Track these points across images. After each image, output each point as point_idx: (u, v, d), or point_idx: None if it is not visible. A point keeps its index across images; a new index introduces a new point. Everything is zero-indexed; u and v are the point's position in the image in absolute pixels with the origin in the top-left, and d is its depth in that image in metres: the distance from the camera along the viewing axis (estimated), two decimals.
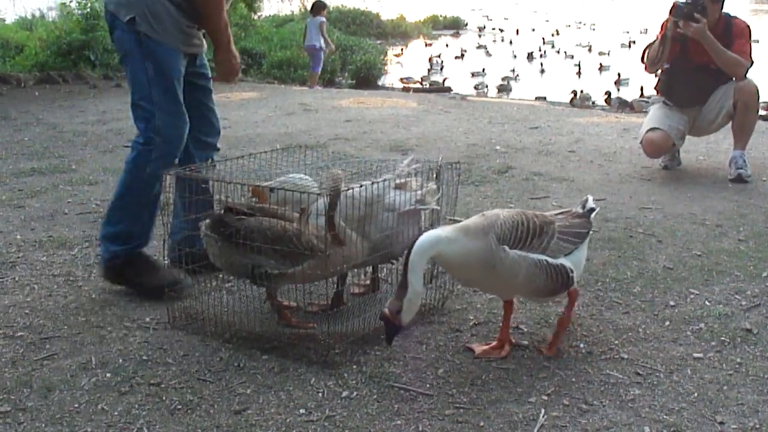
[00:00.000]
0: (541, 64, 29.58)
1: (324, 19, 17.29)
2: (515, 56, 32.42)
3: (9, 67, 19.57)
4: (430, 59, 30.75)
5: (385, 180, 3.57)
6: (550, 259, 3.19)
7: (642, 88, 18.51)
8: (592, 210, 3.46)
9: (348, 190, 3.31)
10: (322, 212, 3.37)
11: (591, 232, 3.43)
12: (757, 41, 46.65)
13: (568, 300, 3.43)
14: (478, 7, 62.20)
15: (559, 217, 3.37)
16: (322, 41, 17.11)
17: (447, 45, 37.56)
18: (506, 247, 3.11)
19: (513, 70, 26.63)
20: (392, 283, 4.10)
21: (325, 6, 17.89)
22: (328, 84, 20.27)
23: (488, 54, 33.50)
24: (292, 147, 4.54)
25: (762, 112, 15.44)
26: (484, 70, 26.53)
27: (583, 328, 3.63)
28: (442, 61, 29.82)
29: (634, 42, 35.36)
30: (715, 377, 3.18)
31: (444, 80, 24.52)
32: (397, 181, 3.64)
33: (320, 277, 3.44)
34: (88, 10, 19.04)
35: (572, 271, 3.24)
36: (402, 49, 35.32)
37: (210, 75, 4.30)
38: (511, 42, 38.87)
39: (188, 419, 2.84)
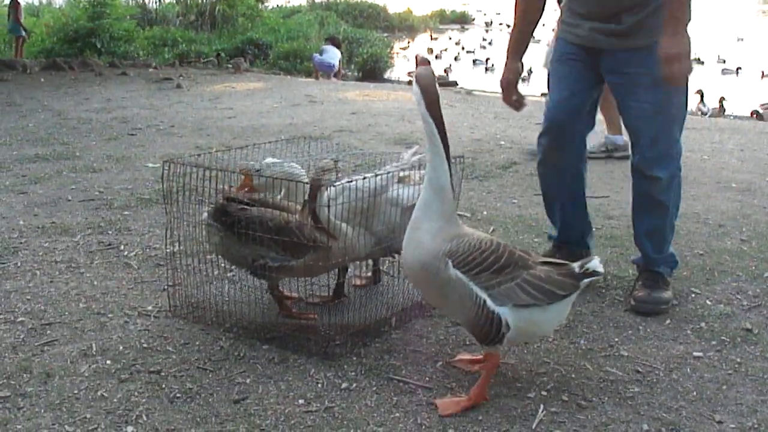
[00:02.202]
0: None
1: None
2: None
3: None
4: (436, 55, 30.72)
5: (388, 172, 3.56)
6: (488, 301, 2.78)
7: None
8: (592, 275, 2.88)
9: (349, 182, 3.30)
10: (324, 204, 3.37)
11: (571, 297, 2.88)
12: (742, 39, 45.47)
13: (483, 367, 3.01)
14: (467, 1, 61.95)
15: (544, 267, 2.87)
16: (337, 64, 18.50)
17: (450, 38, 37.57)
18: (450, 261, 2.78)
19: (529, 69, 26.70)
20: (394, 276, 4.11)
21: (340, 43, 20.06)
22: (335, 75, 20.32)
23: (483, 47, 33.20)
24: (297, 138, 4.55)
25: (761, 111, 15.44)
26: (488, 60, 26.53)
27: (584, 324, 3.62)
28: (487, 59, 29.25)
29: None
30: (714, 376, 3.17)
31: (446, 72, 24.50)
32: (400, 174, 3.63)
33: (321, 270, 3.44)
34: None
35: (507, 328, 2.79)
36: (409, 42, 35.30)
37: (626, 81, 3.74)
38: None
39: (187, 407, 2.84)
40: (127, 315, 3.62)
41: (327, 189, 3.35)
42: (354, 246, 3.38)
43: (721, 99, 16.63)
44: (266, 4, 29.79)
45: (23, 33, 19.30)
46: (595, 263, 2.88)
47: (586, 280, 2.86)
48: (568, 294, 2.84)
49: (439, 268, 2.78)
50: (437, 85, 2.77)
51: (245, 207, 3.37)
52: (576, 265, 2.88)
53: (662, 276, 3.86)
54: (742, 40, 41.92)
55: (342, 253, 3.36)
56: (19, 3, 19.66)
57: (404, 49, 32.56)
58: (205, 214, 3.46)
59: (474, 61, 28.12)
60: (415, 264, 2.85)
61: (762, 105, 17.21)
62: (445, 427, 2.74)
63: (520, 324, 2.81)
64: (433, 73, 2.80)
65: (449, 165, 2.80)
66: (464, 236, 2.84)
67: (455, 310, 2.93)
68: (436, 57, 30.77)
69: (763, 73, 27.28)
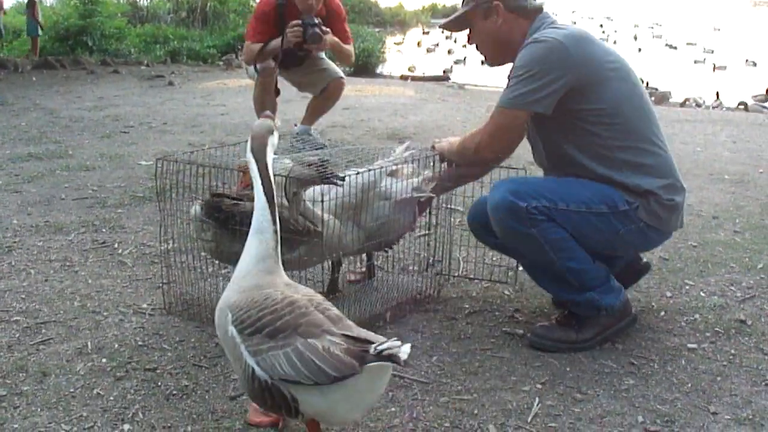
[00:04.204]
0: None
1: None
2: None
3: (6, 51, 19.53)
4: (428, 49, 30.70)
5: (381, 168, 3.56)
6: (257, 369, 2.34)
7: None
8: (388, 359, 2.19)
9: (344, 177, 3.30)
10: (317, 198, 3.37)
11: (356, 382, 2.23)
12: (719, 29, 45.85)
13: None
14: None
15: (333, 339, 2.28)
16: None
17: (443, 32, 37.54)
18: (230, 315, 2.44)
19: None
20: (389, 271, 4.11)
21: None
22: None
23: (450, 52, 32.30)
24: (289, 134, 4.54)
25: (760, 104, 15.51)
26: (465, 59, 26.55)
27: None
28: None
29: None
30: (708, 368, 3.19)
31: (446, 72, 24.47)
32: (391, 168, 3.63)
33: (314, 262, 3.44)
34: None
35: (295, 401, 2.32)
36: (403, 39, 35.29)
37: None
38: None
39: (183, 404, 2.84)
40: (122, 313, 3.62)
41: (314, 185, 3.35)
42: (340, 235, 3.36)
43: (717, 93, 16.72)
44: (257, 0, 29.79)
45: (39, 32, 19.19)
46: (397, 348, 2.20)
47: (373, 364, 2.22)
48: (341, 377, 2.21)
49: (221, 319, 2.50)
50: (269, 135, 2.70)
51: (238, 202, 3.36)
52: (374, 346, 2.24)
53: (578, 316, 3.40)
54: (718, 30, 42.31)
55: (331, 243, 3.34)
56: (35, 2, 19.52)
57: (398, 44, 32.51)
58: (198, 209, 3.44)
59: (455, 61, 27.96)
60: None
61: (754, 96, 17.25)
62: (441, 421, 2.75)
63: (306, 399, 2.32)
64: (269, 126, 2.74)
65: (272, 208, 2.61)
66: (260, 288, 2.48)
67: (236, 371, 2.56)
68: (428, 51, 30.74)
69: (714, 65, 27.38)
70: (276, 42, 6.45)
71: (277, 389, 2.32)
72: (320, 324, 2.34)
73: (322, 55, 7.07)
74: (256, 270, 2.56)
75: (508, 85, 3.31)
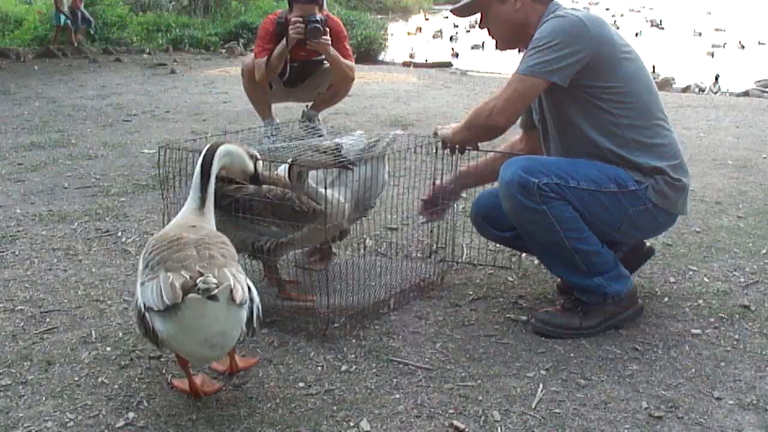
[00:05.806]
0: None
1: None
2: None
3: (8, 41, 19.54)
4: (434, 35, 30.54)
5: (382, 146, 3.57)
6: (138, 292, 2.60)
7: None
8: (205, 292, 2.34)
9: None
10: (320, 180, 3.37)
11: (178, 309, 2.39)
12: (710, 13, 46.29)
13: None
14: None
15: (183, 272, 2.47)
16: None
17: (447, 17, 37.47)
18: (143, 253, 2.73)
19: None
20: (392, 258, 4.11)
21: None
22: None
23: (472, 26, 32.42)
24: (291, 122, 4.53)
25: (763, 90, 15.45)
26: (483, 43, 26.45)
27: None
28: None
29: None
30: (712, 353, 3.19)
31: (453, 56, 24.39)
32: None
33: (318, 241, 3.46)
34: None
35: (141, 308, 2.54)
36: (407, 25, 35.21)
37: None
38: None
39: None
40: (126, 301, 3.62)
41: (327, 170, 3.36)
42: (342, 210, 3.37)
43: (717, 76, 16.64)
44: None
45: (62, 22, 19.10)
46: (208, 281, 2.35)
47: (191, 296, 2.36)
48: (170, 304, 2.38)
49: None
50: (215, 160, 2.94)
51: (241, 186, 3.35)
52: (199, 280, 2.37)
53: (583, 303, 3.38)
54: (710, 13, 42.52)
55: (335, 219, 3.34)
56: None
57: (411, 34, 32.33)
58: None
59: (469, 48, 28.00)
60: None
61: (757, 82, 17.18)
62: (445, 407, 2.75)
63: (157, 326, 2.50)
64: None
65: (204, 181, 2.91)
66: (166, 234, 2.74)
67: None
68: (434, 36, 30.64)
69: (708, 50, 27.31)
70: (281, 44, 6.43)
71: (144, 315, 2.53)
72: (184, 260, 2.54)
73: (326, 64, 7.06)
74: (174, 224, 2.87)
75: (526, 54, 3.33)
